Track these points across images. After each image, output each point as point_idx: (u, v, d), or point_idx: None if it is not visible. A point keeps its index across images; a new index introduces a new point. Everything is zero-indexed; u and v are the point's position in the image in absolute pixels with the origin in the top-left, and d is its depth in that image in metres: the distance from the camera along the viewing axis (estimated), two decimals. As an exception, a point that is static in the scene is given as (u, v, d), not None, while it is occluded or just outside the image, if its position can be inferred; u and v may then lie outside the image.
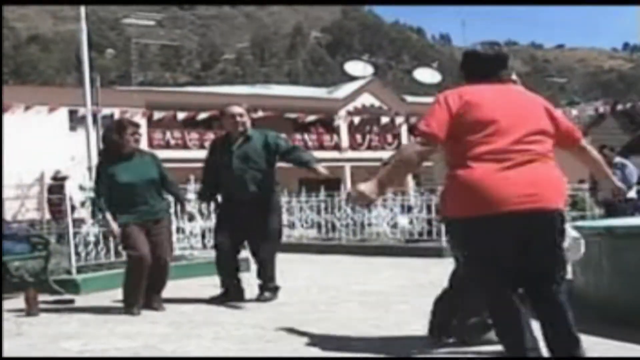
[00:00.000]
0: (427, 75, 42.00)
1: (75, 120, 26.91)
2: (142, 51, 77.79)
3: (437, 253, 10.45)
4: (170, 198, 7.04)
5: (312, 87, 44.78)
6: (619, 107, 33.71)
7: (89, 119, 11.17)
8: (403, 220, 13.53)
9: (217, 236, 6.96)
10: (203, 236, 10.18)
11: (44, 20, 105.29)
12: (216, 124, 24.38)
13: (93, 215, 8.72)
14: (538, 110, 3.71)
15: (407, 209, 13.43)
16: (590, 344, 4.37)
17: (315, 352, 4.48)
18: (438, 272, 8.33)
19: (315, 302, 6.75)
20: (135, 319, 5.96)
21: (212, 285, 7.11)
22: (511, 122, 3.54)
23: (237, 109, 6.82)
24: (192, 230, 9.97)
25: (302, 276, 9.21)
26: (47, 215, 16.37)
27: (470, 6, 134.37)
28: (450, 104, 3.59)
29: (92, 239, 8.41)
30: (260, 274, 6.87)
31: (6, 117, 26.02)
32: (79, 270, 8.04)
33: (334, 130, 36.08)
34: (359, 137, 36.45)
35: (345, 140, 36.18)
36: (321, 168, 6.80)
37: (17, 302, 6.71)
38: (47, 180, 19.61)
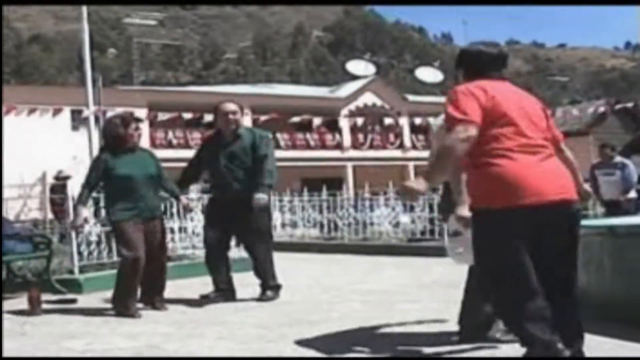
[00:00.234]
0: (428, 74, 42.02)
1: (78, 120, 26.92)
2: (143, 51, 77.76)
3: (440, 252, 10.40)
4: (169, 198, 7.07)
5: (314, 87, 44.77)
6: (620, 105, 33.72)
7: (92, 119, 11.17)
8: (405, 219, 13.55)
9: (206, 234, 7.02)
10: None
11: (46, 20, 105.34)
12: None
13: (95, 214, 8.74)
14: (539, 107, 3.80)
15: (410, 208, 13.43)
16: (592, 343, 4.37)
17: (318, 351, 4.48)
18: (440, 271, 8.36)
19: (318, 301, 6.76)
20: (137, 318, 5.96)
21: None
22: (528, 118, 3.62)
23: (230, 107, 6.84)
24: (194, 229, 9.98)
25: (305, 275, 9.21)
26: (50, 215, 16.37)
27: (472, 6, 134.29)
28: (477, 94, 3.56)
29: (94, 238, 8.41)
30: (259, 274, 6.87)
31: (9, 117, 26.12)
32: (82, 269, 8.05)
33: (336, 129, 36.09)
34: (361, 136, 36.45)
35: (347, 140, 36.17)
36: (258, 196, 6.62)
37: (20, 301, 6.72)
38: (50, 180, 19.63)
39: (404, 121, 37.17)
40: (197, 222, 9.74)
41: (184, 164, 7.26)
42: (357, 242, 13.35)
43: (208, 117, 21.73)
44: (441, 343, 4.50)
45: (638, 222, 6.03)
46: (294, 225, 16.02)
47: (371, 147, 36.35)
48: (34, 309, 6.27)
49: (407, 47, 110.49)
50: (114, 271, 7.82)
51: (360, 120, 36.41)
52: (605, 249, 5.21)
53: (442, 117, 4.40)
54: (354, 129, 36.42)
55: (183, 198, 6.98)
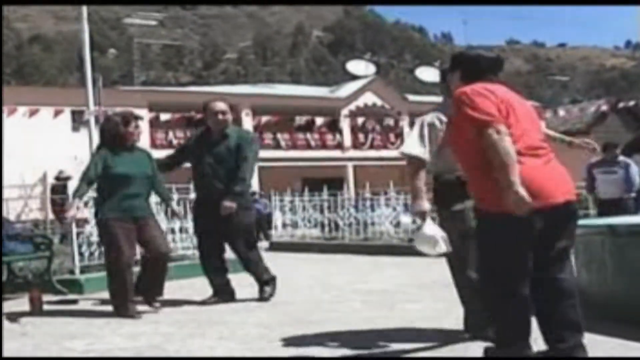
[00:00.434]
0: (429, 74, 41.97)
1: (78, 121, 26.92)
2: (144, 51, 77.79)
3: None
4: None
5: (315, 87, 44.77)
6: (621, 104, 33.72)
7: (92, 120, 11.15)
8: (406, 219, 13.54)
9: (198, 240, 7.03)
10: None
11: (46, 20, 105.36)
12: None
13: (96, 215, 8.73)
14: (534, 110, 3.88)
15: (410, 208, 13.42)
16: (593, 342, 4.37)
17: (319, 351, 4.48)
18: (441, 271, 8.34)
19: (319, 301, 6.76)
20: (137, 319, 5.95)
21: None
22: (529, 120, 3.69)
23: (220, 106, 6.80)
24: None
25: (305, 275, 9.22)
26: (51, 216, 16.38)
27: (472, 6, 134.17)
28: (487, 95, 3.59)
29: (95, 239, 8.39)
30: (250, 271, 6.86)
31: (10, 117, 26.14)
32: (82, 270, 8.05)
33: (336, 129, 36.09)
34: (361, 136, 36.45)
35: (348, 140, 36.17)
36: (226, 204, 6.59)
37: (21, 302, 6.72)
38: (50, 180, 19.63)
39: (404, 121, 37.16)
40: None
41: (185, 164, 7.23)
42: (358, 242, 13.35)
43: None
44: (442, 343, 4.50)
45: (639, 221, 6.02)
46: (294, 225, 16.04)
47: (372, 147, 36.33)
48: (35, 309, 6.27)
49: (407, 47, 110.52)
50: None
51: (360, 120, 36.41)
52: (606, 248, 5.21)
53: (433, 114, 4.53)
54: (354, 129, 36.42)
55: (174, 204, 6.97)
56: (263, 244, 17.00)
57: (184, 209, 9.25)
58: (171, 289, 6.87)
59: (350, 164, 34.74)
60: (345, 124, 36.24)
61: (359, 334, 4.92)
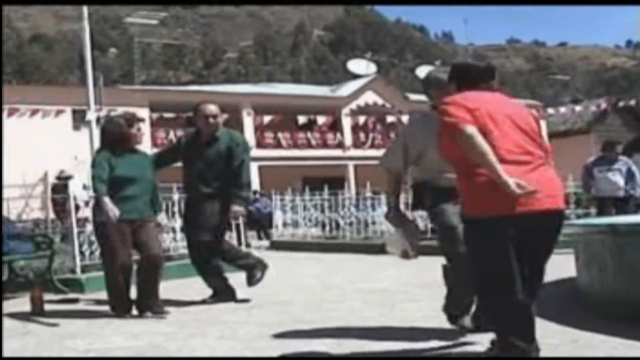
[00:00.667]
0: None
1: (79, 120, 26.92)
2: (144, 50, 77.78)
3: (441, 251, 10.42)
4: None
5: (316, 86, 44.76)
6: (622, 104, 33.72)
7: (93, 119, 11.16)
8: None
9: (187, 239, 7.00)
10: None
11: (47, 19, 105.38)
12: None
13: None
14: (530, 118, 3.88)
15: (411, 207, 13.41)
16: (594, 341, 4.38)
17: (320, 350, 4.48)
18: (442, 270, 8.35)
19: (319, 300, 6.76)
20: (138, 318, 5.94)
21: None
22: (516, 128, 3.73)
23: (212, 109, 6.73)
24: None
25: (306, 274, 9.23)
26: (52, 215, 16.38)
27: (474, 6, 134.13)
28: (462, 103, 3.70)
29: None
30: (229, 262, 6.82)
31: (11, 117, 26.16)
32: (84, 269, 8.05)
33: (337, 128, 36.08)
34: (362, 135, 36.45)
35: (348, 139, 36.16)
36: (235, 209, 6.62)
37: (22, 301, 6.73)
38: (51, 180, 19.63)
39: (405, 120, 37.14)
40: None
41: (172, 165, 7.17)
42: (359, 242, 13.35)
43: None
44: (443, 342, 4.51)
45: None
46: (295, 224, 16.03)
47: (372, 146, 36.25)
48: (36, 308, 6.27)
49: (408, 46, 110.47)
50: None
51: (361, 119, 36.39)
52: (607, 247, 5.21)
53: (415, 121, 5.02)
54: (355, 128, 36.40)
55: (161, 216, 6.92)
56: (264, 243, 17.05)
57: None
58: (171, 288, 6.87)
59: (351, 163, 34.71)
60: (346, 123, 36.23)
61: (359, 333, 4.92)
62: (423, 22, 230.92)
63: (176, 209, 9.52)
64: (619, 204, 10.48)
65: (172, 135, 31.72)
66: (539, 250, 3.75)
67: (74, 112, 27.42)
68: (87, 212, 8.95)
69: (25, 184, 21.45)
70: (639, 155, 17.30)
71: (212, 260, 6.75)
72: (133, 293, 6.13)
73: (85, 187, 9.34)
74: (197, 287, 7.34)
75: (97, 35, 54.35)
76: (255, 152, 25.05)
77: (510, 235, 3.58)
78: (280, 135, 34.21)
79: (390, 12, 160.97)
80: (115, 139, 6.18)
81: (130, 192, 6.07)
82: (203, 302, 6.65)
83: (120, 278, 6.02)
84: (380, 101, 37.06)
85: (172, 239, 9.56)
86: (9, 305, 6.77)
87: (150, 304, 6.06)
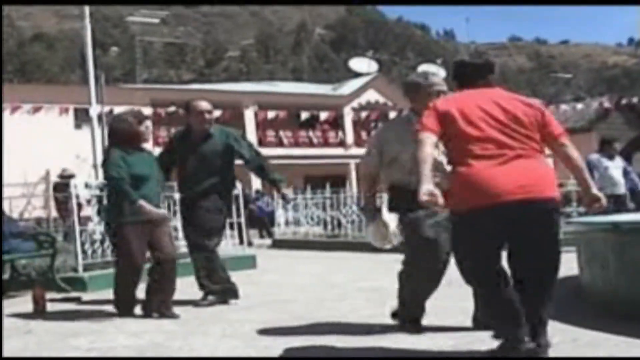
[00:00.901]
0: (431, 71, 41.96)
1: (81, 119, 26.94)
2: (146, 49, 77.70)
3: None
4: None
5: (317, 84, 44.76)
6: (624, 102, 33.67)
7: (95, 117, 11.18)
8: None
9: (186, 239, 6.88)
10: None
11: (48, 18, 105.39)
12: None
13: (99, 213, 8.71)
14: (520, 108, 3.94)
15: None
16: (596, 340, 4.38)
17: (322, 349, 4.49)
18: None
19: (322, 299, 6.77)
20: (139, 318, 5.93)
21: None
22: (496, 124, 3.86)
23: (206, 105, 6.67)
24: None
25: (308, 273, 9.23)
26: (54, 214, 16.38)
27: (475, 6, 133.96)
28: (438, 108, 3.96)
29: (98, 236, 8.42)
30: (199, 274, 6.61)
31: (13, 115, 26.15)
32: (86, 268, 8.06)
33: (339, 126, 36.08)
34: (364, 133, 36.44)
35: (350, 137, 36.16)
36: (285, 194, 6.88)
37: (24, 300, 6.74)
38: (53, 178, 19.64)
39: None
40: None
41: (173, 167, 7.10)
42: (361, 240, 13.33)
43: (216, 113, 21.73)
44: (444, 340, 4.51)
45: (642, 218, 6.03)
46: (297, 222, 16.04)
47: (374, 144, 36.33)
48: (39, 307, 6.28)
49: (409, 44, 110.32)
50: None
51: (363, 118, 36.40)
52: (609, 245, 5.21)
53: (392, 123, 5.34)
54: (357, 126, 36.41)
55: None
56: (265, 242, 17.05)
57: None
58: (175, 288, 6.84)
59: (352, 162, 34.70)
60: (347, 122, 36.24)
61: (362, 332, 4.92)
62: (424, 20, 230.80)
63: (177, 207, 9.50)
64: (618, 201, 10.44)
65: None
66: (526, 246, 3.84)
67: (76, 110, 27.43)
68: (89, 211, 8.97)
69: (27, 182, 21.49)
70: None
71: (213, 259, 6.65)
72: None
73: (87, 185, 9.36)
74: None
75: (99, 34, 54.36)
76: (257, 151, 25.01)
77: (487, 227, 3.75)
78: (282, 133, 34.23)
79: (391, 11, 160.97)
80: (126, 136, 6.02)
81: (145, 191, 5.93)
82: (205, 299, 6.58)
83: (133, 279, 5.96)
84: (381, 99, 37.08)
85: (175, 237, 9.54)
86: (11, 304, 6.78)
87: (167, 305, 5.94)
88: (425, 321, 4.94)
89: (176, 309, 6.04)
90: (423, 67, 43.69)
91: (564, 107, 35.39)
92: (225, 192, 6.72)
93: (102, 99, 21.23)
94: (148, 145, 6.79)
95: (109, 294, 6.63)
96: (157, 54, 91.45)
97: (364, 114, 36.38)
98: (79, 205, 8.69)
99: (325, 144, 35.53)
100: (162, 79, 70.59)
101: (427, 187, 3.64)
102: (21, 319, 5.98)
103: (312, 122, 35.13)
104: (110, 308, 6.19)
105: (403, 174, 4.66)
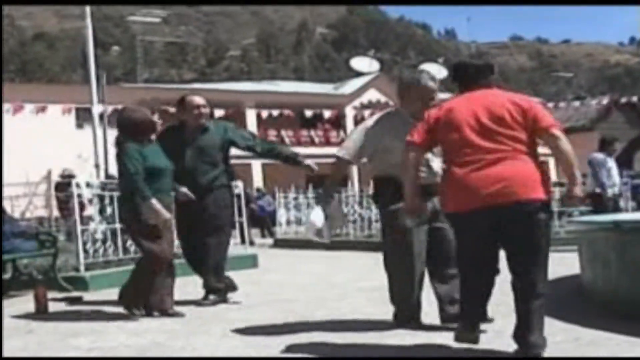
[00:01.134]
0: (433, 70, 41.45)
1: (82, 118, 26.95)
2: (147, 48, 77.76)
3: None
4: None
5: (319, 84, 44.76)
6: (625, 100, 33.65)
7: (96, 117, 11.19)
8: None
9: (181, 239, 6.76)
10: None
11: (49, 18, 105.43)
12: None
13: (101, 212, 8.72)
14: (506, 108, 3.97)
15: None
16: (598, 339, 4.38)
17: (323, 349, 4.48)
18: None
19: (323, 298, 6.77)
20: (139, 319, 5.89)
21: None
22: (481, 129, 3.94)
23: (200, 100, 6.60)
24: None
25: (310, 272, 9.23)
26: (55, 213, 16.40)
27: (476, 4, 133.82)
28: (430, 118, 4.16)
29: (99, 236, 8.42)
30: (202, 271, 6.56)
31: (15, 115, 26.17)
32: (87, 267, 8.06)
33: (340, 126, 36.08)
34: (365, 133, 36.46)
35: (351, 137, 36.17)
36: (313, 166, 6.81)
37: (26, 299, 6.74)
38: (55, 178, 19.66)
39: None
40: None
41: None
42: (363, 239, 13.35)
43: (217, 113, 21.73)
44: (447, 340, 4.50)
45: (643, 218, 6.02)
46: (298, 222, 16.03)
47: (375, 143, 36.34)
48: (40, 306, 6.28)
49: (410, 43, 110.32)
50: (120, 269, 7.88)
51: (365, 117, 36.40)
52: (611, 244, 5.21)
53: (379, 117, 5.21)
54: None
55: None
56: (267, 241, 17.05)
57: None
58: (175, 286, 6.84)
59: (353, 161, 34.76)
60: (349, 121, 36.24)
61: (363, 331, 4.92)
62: (426, 19, 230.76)
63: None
64: (616, 200, 10.43)
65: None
66: (510, 247, 3.96)
67: (78, 110, 27.44)
68: (90, 210, 8.97)
69: (28, 182, 21.50)
70: (640, 153, 17.23)
71: (209, 259, 6.54)
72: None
73: (88, 185, 9.35)
74: (199, 284, 7.34)
75: (100, 34, 54.36)
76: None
77: (468, 229, 3.98)
78: (283, 132, 34.22)
79: (393, 11, 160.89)
80: (140, 126, 5.80)
81: (160, 185, 5.75)
82: (206, 299, 6.58)
83: (152, 281, 5.78)
84: (383, 99, 37.05)
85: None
86: (13, 304, 6.78)
87: (164, 306, 5.90)
88: (426, 321, 4.94)
89: (179, 308, 6.03)
90: (425, 66, 43.78)
91: (565, 106, 35.39)
92: (221, 187, 6.62)
93: (104, 99, 21.25)
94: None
95: (111, 294, 6.64)
96: (158, 53, 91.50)
97: (365, 113, 36.37)
98: (82, 205, 8.68)
99: (327, 143, 35.50)
100: (163, 78, 70.58)
101: (408, 204, 4.21)
102: (22, 319, 5.98)
103: (314, 121, 35.13)
104: (111, 307, 6.19)
105: (395, 167, 4.60)
